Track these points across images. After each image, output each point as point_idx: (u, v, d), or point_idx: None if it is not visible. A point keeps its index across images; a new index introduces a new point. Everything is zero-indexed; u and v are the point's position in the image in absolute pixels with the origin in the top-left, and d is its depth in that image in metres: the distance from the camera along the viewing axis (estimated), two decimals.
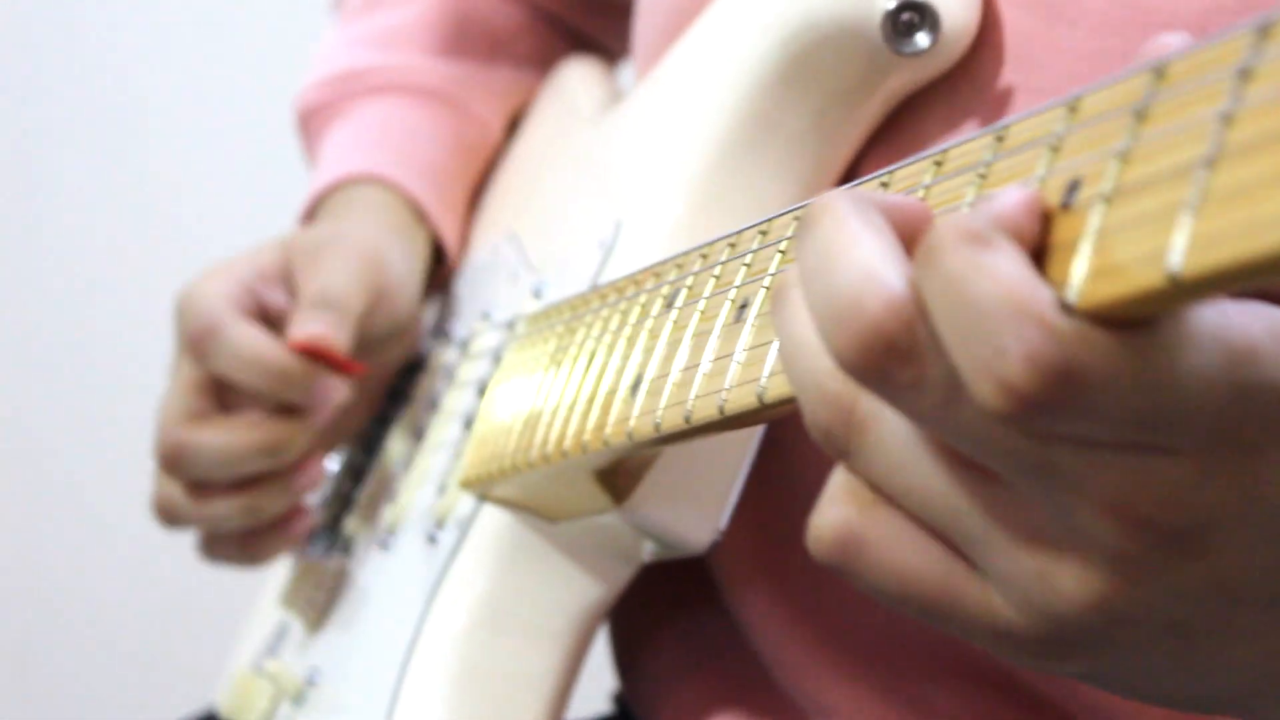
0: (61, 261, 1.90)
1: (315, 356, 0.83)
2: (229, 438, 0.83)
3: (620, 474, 0.71)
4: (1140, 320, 0.40)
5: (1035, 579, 0.44)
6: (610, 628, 0.87)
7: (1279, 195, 0.35)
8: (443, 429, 0.86)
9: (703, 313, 0.61)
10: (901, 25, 0.66)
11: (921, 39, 0.67)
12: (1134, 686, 0.49)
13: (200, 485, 0.85)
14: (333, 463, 0.96)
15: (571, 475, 0.71)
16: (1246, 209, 0.36)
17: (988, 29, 0.67)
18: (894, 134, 0.72)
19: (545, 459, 0.70)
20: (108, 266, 1.90)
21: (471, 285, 0.94)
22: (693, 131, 0.75)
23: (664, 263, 0.68)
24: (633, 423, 0.63)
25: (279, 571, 1.03)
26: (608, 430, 0.65)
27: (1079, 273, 0.40)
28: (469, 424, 0.83)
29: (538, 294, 0.83)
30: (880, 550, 0.47)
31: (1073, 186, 0.42)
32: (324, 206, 0.96)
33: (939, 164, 0.51)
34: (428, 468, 0.86)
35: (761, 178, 0.73)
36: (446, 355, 0.92)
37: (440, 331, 0.94)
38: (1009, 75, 0.66)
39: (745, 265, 0.60)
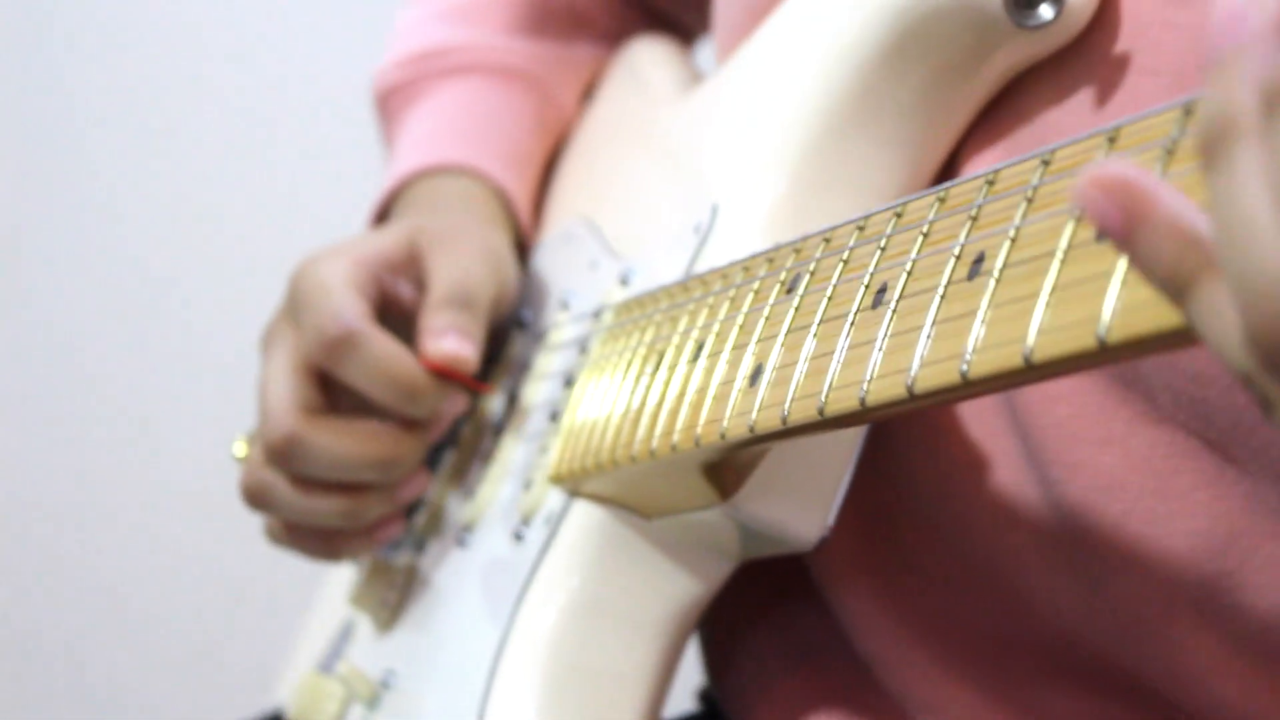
0: (128, 253, 1.87)
1: (447, 376, 0.80)
2: (348, 445, 0.80)
3: (727, 469, 0.68)
4: None
5: None
6: (700, 624, 0.84)
7: None
8: (523, 422, 0.83)
9: (831, 299, 0.58)
10: None
11: (1045, 11, 0.65)
12: None
13: (304, 480, 0.82)
14: None
15: (675, 471, 0.68)
16: None
17: (1104, 5, 0.65)
18: (1000, 111, 0.69)
19: (650, 454, 0.67)
20: (174, 259, 1.87)
21: (545, 271, 0.91)
22: (793, 109, 0.72)
23: (778, 248, 0.65)
24: (755, 415, 0.60)
25: (341, 570, 1.00)
26: (724, 424, 0.62)
27: None
28: (554, 417, 0.80)
29: (624, 281, 0.80)
30: None
31: None
32: (412, 192, 0.93)
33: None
34: (509, 462, 0.83)
35: (866, 155, 0.70)
36: (522, 346, 0.89)
37: (513, 320, 0.91)
38: (1121, 51, 0.64)
39: (880, 249, 0.57)
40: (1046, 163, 0.50)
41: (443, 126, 0.96)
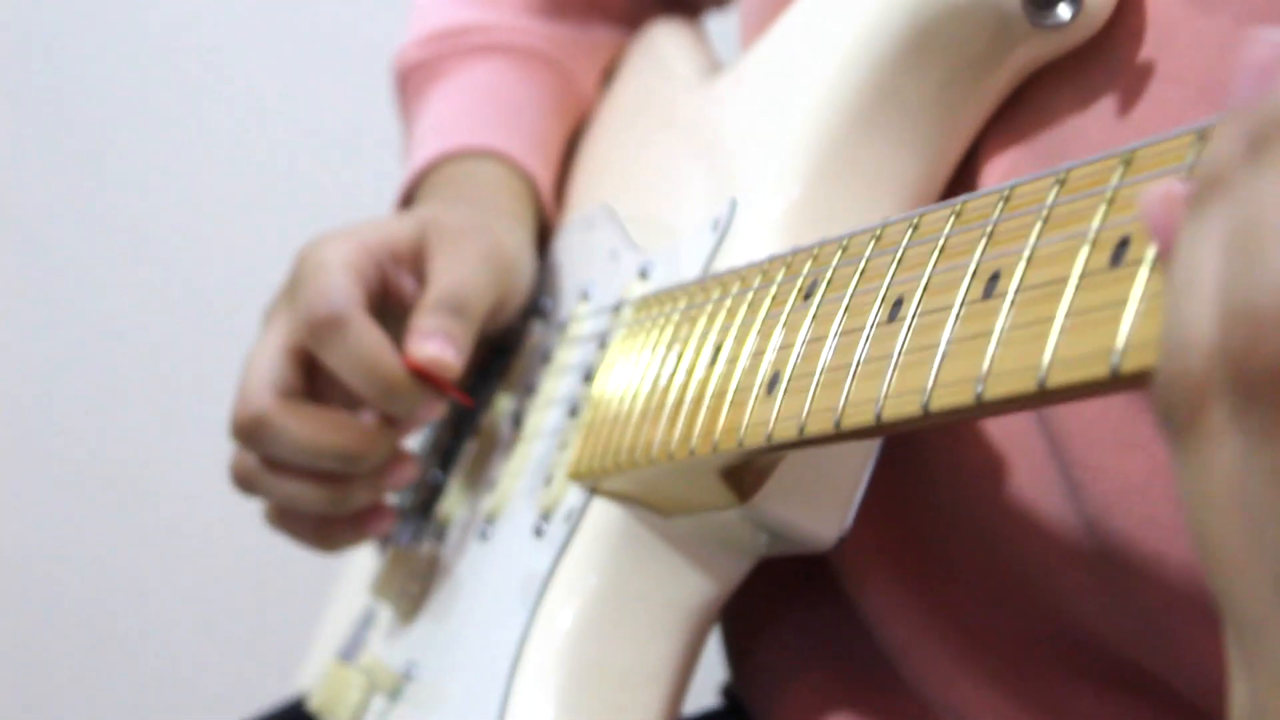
0: (150, 249, 1.87)
1: (427, 380, 0.80)
2: (312, 432, 0.80)
3: (746, 471, 0.68)
4: None
5: None
6: (722, 619, 0.84)
7: None
8: (542, 415, 0.83)
9: (848, 309, 0.58)
10: None
11: (1063, 10, 0.65)
12: None
13: (273, 463, 0.82)
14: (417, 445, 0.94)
15: (694, 472, 0.68)
16: None
17: (1127, 7, 0.64)
18: (1021, 109, 0.69)
19: (669, 457, 0.67)
20: (192, 257, 1.87)
21: (564, 259, 0.91)
22: (811, 105, 0.72)
23: (796, 252, 0.64)
24: (772, 426, 0.60)
25: (362, 557, 1.01)
26: (742, 432, 0.62)
27: None
28: (574, 411, 0.80)
29: (644, 275, 0.80)
30: None
31: None
32: (439, 175, 0.92)
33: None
34: (528, 456, 0.83)
35: (883, 152, 0.70)
36: (541, 335, 0.89)
37: (532, 308, 0.91)
38: (1146, 57, 0.63)
39: (896, 260, 0.57)
40: (1062, 182, 0.50)
41: (468, 108, 0.95)
